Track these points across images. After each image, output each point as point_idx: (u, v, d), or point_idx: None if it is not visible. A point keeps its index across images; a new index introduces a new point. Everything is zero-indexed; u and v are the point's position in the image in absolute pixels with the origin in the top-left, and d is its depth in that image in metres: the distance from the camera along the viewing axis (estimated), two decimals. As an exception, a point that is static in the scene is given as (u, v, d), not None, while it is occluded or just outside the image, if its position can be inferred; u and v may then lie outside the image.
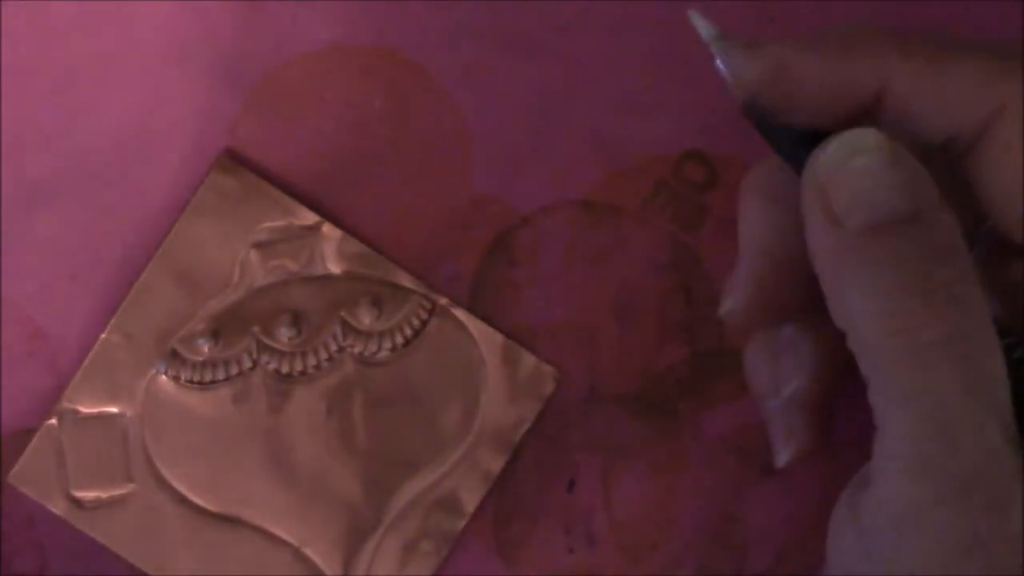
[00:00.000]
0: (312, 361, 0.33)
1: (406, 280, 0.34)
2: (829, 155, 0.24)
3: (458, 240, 0.34)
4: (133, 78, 0.35)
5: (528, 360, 0.34)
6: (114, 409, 0.33)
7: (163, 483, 0.33)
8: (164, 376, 0.33)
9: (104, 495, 0.33)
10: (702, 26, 0.27)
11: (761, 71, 0.25)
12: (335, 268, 0.34)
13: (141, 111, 0.34)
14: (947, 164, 0.25)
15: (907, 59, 0.25)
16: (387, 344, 0.34)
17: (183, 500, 0.33)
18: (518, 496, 0.34)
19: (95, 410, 0.33)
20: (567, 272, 0.34)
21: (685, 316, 0.34)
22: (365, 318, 0.33)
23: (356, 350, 0.34)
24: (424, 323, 0.34)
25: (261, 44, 0.35)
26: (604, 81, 0.35)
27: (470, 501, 0.33)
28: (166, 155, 0.34)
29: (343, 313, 0.34)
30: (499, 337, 0.34)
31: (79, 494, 0.33)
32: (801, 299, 0.27)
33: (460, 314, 0.34)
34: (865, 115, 0.25)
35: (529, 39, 0.35)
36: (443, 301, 0.34)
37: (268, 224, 0.34)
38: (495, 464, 0.33)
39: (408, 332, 0.34)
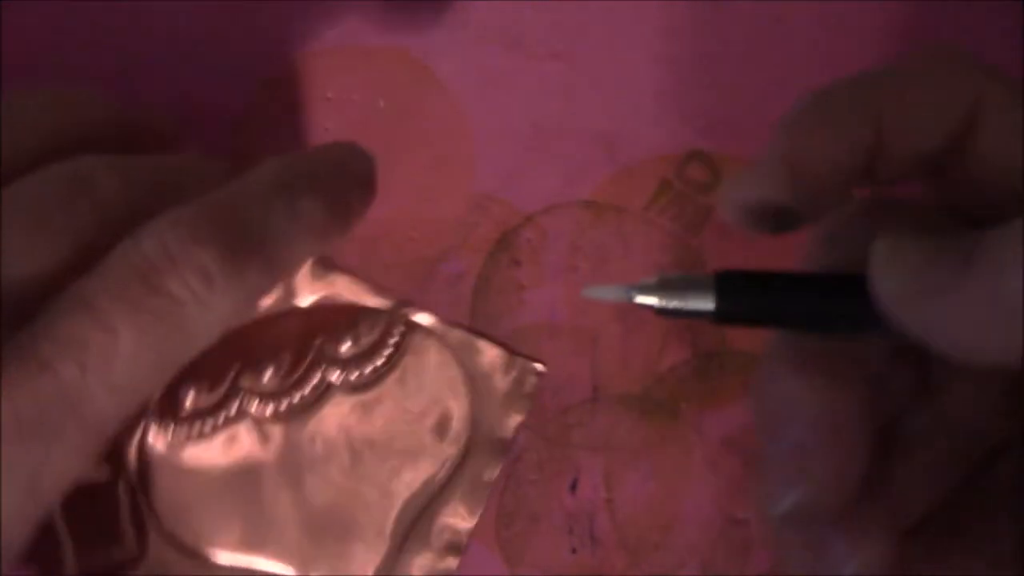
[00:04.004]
0: (297, 396, 0.33)
1: (378, 300, 0.34)
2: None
3: (461, 240, 0.34)
4: (135, 79, 0.35)
5: (510, 361, 0.34)
6: (108, 475, 0.33)
7: (171, 539, 0.33)
8: (152, 435, 0.33)
9: (112, 561, 0.33)
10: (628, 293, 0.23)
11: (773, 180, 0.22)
12: (306, 300, 0.34)
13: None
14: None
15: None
16: (368, 367, 0.33)
17: (193, 554, 0.33)
18: (521, 496, 0.34)
19: (89, 479, 0.33)
20: (570, 272, 0.34)
21: (688, 316, 0.34)
22: (343, 345, 0.33)
23: (339, 378, 0.33)
24: (402, 340, 0.34)
25: (264, 43, 0.35)
26: (608, 82, 0.35)
27: (473, 510, 0.33)
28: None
29: (320, 343, 0.33)
30: (478, 342, 0.34)
31: (85, 564, 0.32)
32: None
33: (436, 326, 0.34)
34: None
35: (533, 39, 0.35)
36: (417, 315, 0.34)
37: None
38: (492, 469, 0.33)
39: (387, 352, 0.34)
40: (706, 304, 0.22)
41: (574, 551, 0.34)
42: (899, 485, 0.24)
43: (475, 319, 0.34)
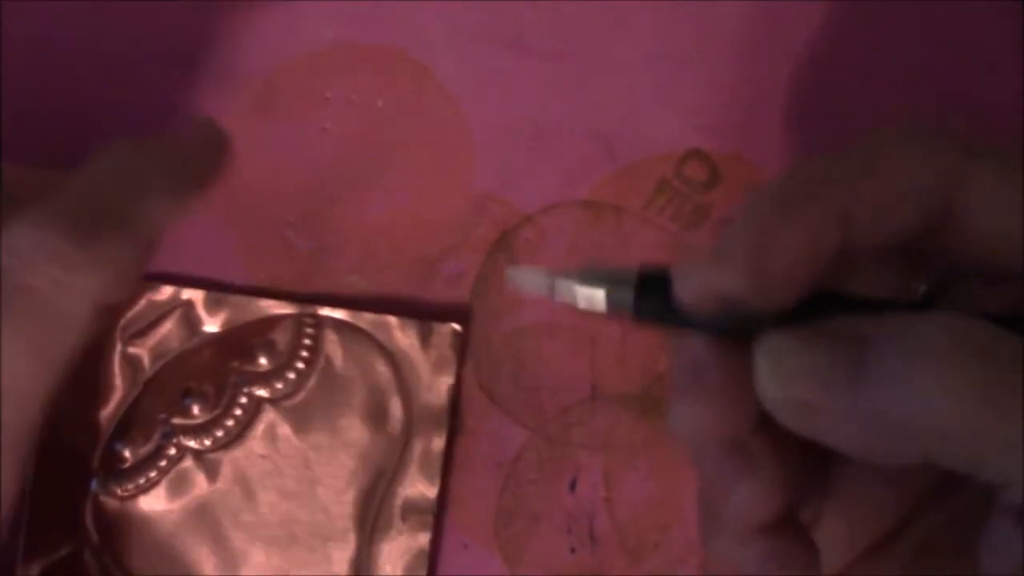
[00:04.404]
0: (230, 421, 0.33)
1: (281, 307, 0.34)
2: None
3: (461, 239, 0.34)
4: (135, 79, 0.35)
5: (425, 327, 0.34)
6: (69, 549, 0.33)
7: None
8: (103, 497, 0.33)
9: None
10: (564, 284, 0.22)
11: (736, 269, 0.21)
12: (212, 327, 0.34)
13: (142, 112, 0.35)
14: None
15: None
16: (290, 374, 0.33)
17: None
18: (520, 496, 0.34)
19: (56, 556, 0.33)
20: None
21: (687, 316, 0.34)
22: (260, 360, 0.33)
23: (266, 392, 0.33)
24: (314, 338, 0.34)
25: (263, 44, 0.35)
26: (606, 82, 0.35)
27: (432, 481, 0.33)
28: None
29: (238, 364, 0.33)
30: (389, 321, 0.34)
31: None
32: None
33: (343, 315, 0.34)
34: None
35: (532, 39, 0.35)
36: (322, 310, 0.34)
37: (130, 314, 0.34)
38: (440, 438, 0.33)
39: (304, 353, 0.34)
40: (626, 297, 0.22)
41: (573, 551, 0.34)
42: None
43: (475, 319, 0.34)
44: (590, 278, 0.22)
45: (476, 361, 0.34)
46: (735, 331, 0.21)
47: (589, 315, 0.22)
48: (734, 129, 0.35)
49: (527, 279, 0.23)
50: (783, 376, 0.20)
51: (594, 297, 0.22)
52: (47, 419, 0.26)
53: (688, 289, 0.22)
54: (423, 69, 0.35)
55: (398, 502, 0.33)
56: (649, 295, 0.22)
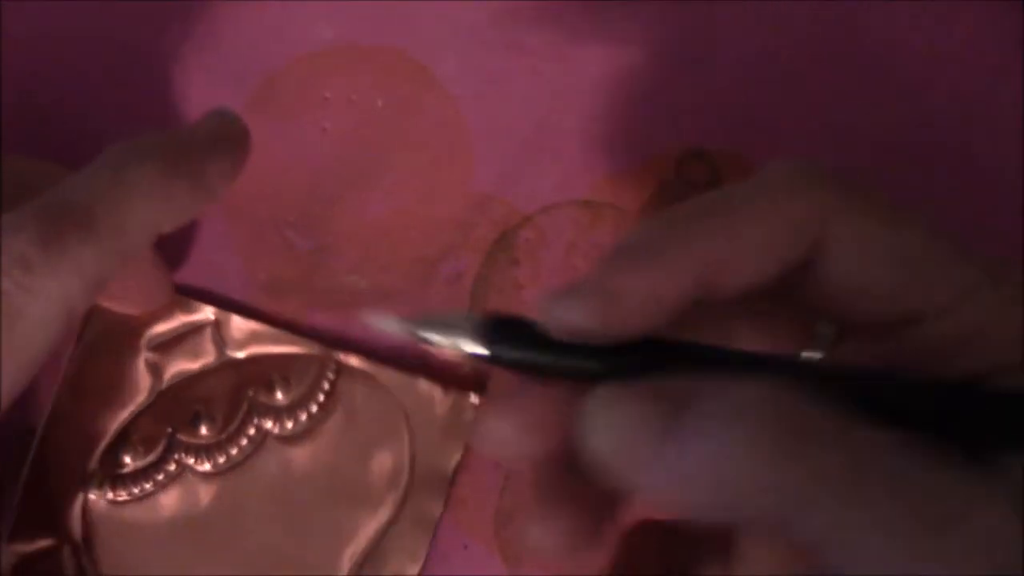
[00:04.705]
0: (234, 449, 0.33)
1: (306, 347, 0.34)
2: None
3: (460, 239, 0.34)
4: (134, 78, 0.35)
5: (445, 394, 0.34)
6: (52, 542, 0.33)
7: None
8: (94, 498, 0.33)
9: None
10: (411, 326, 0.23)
11: (592, 308, 0.22)
12: (236, 353, 0.34)
13: (141, 112, 0.35)
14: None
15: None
16: (303, 415, 0.33)
17: None
18: (520, 496, 0.34)
19: (35, 547, 0.33)
20: (569, 271, 0.34)
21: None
22: (276, 394, 0.33)
23: (274, 427, 0.33)
24: (334, 384, 0.34)
25: (263, 43, 0.35)
26: (606, 81, 0.35)
27: (419, 549, 0.33)
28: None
29: (253, 394, 0.33)
30: (411, 380, 0.34)
31: None
32: None
33: (367, 366, 0.34)
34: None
35: (532, 40, 0.35)
36: (347, 358, 0.34)
37: (160, 327, 0.34)
38: (435, 507, 0.33)
39: (320, 397, 0.34)
40: (467, 344, 0.23)
41: (573, 550, 0.34)
42: None
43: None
44: (444, 324, 0.23)
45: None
46: (579, 378, 0.23)
47: (447, 357, 0.23)
48: (734, 129, 0.35)
49: (387, 325, 0.24)
50: (602, 426, 0.21)
51: (450, 343, 0.23)
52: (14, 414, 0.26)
53: (548, 320, 0.23)
54: (423, 69, 0.35)
55: (384, 567, 0.33)
56: (501, 340, 0.23)
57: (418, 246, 0.34)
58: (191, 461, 0.33)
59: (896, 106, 0.35)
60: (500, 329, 0.23)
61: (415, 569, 0.33)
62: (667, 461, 0.20)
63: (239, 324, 0.34)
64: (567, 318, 0.22)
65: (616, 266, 0.23)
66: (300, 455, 0.33)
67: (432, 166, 0.35)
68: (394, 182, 0.35)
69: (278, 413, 0.33)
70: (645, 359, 0.23)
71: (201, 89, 0.35)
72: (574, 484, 0.23)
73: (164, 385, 0.34)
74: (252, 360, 0.34)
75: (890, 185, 0.35)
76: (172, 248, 0.34)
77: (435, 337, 0.23)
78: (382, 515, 0.33)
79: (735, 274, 0.23)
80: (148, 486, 0.33)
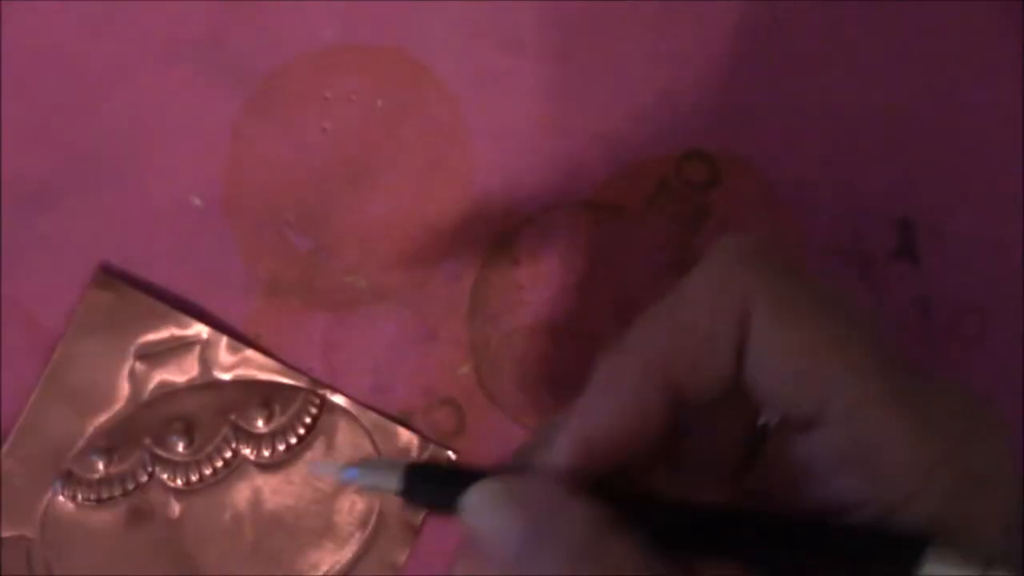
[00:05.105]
0: (208, 469, 0.33)
1: (293, 379, 0.34)
2: None
3: (460, 239, 0.34)
4: (134, 78, 0.35)
5: (423, 446, 0.34)
6: (15, 533, 0.33)
7: None
8: (61, 497, 0.33)
9: None
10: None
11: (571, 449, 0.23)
12: (223, 374, 0.34)
13: (141, 112, 0.35)
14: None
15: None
16: (281, 444, 0.34)
17: None
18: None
19: (2, 535, 0.33)
20: (569, 272, 0.34)
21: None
22: (257, 421, 0.34)
23: (251, 454, 0.34)
24: (315, 419, 0.34)
25: (263, 43, 0.35)
26: (606, 81, 0.35)
27: None
28: (161, 162, 0.34)
29: (234, 418, 0.34)
30: (393, 428, 0.34)
31: None
32: None
33: (350, 406, 0.34)
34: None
35: (531, 39, 0.35)
36: (333, 395, 0.34)
37: (150, 336, 0.34)
38: (400, 554, 0.33)
39: (301, 430, 0.34)
40: (394, 485, 0.24)
41: (573, 551, 0.34)
42: None
43: (474, 319, 0.34)
44: (374, 469, 0.24)
45: (476, 361, 0.34)
46: None
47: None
48: (734, 129, 0.35)
49: (325, 469, 0.29)
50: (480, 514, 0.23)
51: (377, 485, 0.24)
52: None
53: (535, 459, 0.23)
54: (423, 69, 0.35)
55: None
56: (418, 484, 0.24)
57: (418, 246, 0.34)
58: (164, 476, 0.33)
59: (896, 106, 0.35)
60: (417, 476, 0.24)
61: None
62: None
63: (230, 346, 0.34)
64: (550, 463, 0.23)
65: (590, 410, 0.23)
66: (273, 483, 0.34)
67: (432, 166, 0.35)
68: (394, 182, 0.35)
69: (257, 440, 0.34)
70: None
71: (201, 89, 0.35)
72: None
73: (146, 395, 0.34)
74: (238, 384, 0.34)
75: (890, 185, 0.35)
76: (172, 248, 0.34)
77: (365, 482, 0.24)
78: (347, 553, 0.33)
79: (701, 368, 0.23)
80: (116, 494, 0.33)
